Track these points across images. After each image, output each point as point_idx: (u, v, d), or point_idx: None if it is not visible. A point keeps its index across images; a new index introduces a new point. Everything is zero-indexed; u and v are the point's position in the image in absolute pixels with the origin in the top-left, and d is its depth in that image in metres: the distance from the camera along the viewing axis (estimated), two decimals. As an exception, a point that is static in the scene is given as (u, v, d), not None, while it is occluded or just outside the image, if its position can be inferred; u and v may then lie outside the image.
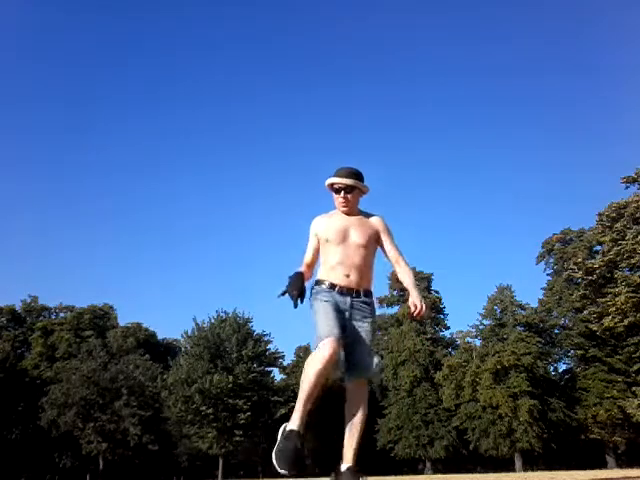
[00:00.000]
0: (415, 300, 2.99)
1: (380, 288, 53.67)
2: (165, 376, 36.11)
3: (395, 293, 48.62)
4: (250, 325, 34.22)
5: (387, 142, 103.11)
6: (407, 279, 3.14)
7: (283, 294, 2.98)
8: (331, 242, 3.08)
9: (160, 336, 53.78)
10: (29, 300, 52.37)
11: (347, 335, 2.90)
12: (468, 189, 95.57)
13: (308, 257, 3.21)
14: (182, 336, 35.84)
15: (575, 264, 36.91)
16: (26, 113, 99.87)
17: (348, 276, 3.03)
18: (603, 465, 34.93)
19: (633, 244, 31.88)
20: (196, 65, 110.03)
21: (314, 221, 3.23)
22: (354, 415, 2.91)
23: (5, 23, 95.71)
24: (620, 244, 32.57)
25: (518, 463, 36.68)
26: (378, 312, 49.21)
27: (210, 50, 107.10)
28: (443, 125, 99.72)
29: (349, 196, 3.11)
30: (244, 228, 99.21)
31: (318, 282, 3.10)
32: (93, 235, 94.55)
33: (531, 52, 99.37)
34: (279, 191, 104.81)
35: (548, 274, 46.48)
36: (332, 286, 3.01)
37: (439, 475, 27.27)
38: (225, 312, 34.67)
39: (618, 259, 32.83)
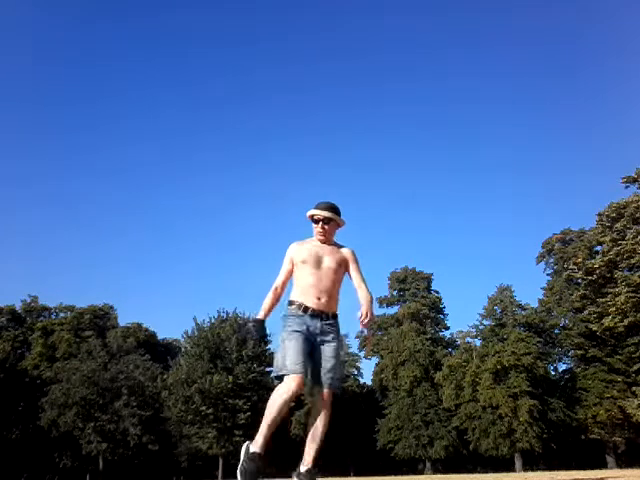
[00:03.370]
0: (364, 309, 3.27)
1: (380, 288, 53.72)
2: (165, 376, 36.05)
3: (395, 293, 48.63)
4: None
5: (387, 142, 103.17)
6: (363, 296, 3.40)
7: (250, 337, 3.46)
8: (306, 264, 3.40)
9: (160, 336, 53.83)
10: (29, 300, 52.34)
11: (316, 354, 3.25)
12: (468, 189, 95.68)
13: (280, 279, 3.52)
14: (182, 336, 35.81)
15: (575, 264, 36.90)
16: (26, 113, 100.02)
17: (319, 299, 3.33)
18: (603, 465, 34.91)
19: (633, 244, 31.86)
20: (195, 65, 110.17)
21: (290, 246, 3.56)
22: (317, 424, 3.22)
23: (6, 23, 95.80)
24: (620, 244, 32.56)
25: (518, 463, 36.66)
26: (378, 312, 49.31)
27: (209, 50, 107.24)
28: (443, 125, 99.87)
29: (327, 227, 3.48)
30: (244, 228, 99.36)
31: (291, 302, 3.40)
32: (93, 235, 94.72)
33: (531, 52, 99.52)
34: (279, 191, 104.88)
35: (548, 274, 46.48)
36: (305, 309, 3.32)
37: (439, 475, 27.26)
38: (226, 312, 34.64)
39: (618, 259, 32.82)
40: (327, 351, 3.26)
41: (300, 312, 3.31)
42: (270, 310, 3.48)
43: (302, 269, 3.42)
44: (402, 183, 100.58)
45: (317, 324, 3.29)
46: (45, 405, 37.07)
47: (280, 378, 3.16)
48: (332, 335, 3.32)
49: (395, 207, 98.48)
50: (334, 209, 3.51)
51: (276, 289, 3.50)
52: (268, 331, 3.42)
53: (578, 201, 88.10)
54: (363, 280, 3.50)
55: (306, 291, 3.37)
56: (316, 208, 3.50)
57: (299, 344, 3.18)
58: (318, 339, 3.28)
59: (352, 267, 3.50)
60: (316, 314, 3.30)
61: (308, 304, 3.32)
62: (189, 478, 45.33)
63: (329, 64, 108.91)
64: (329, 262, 3.41)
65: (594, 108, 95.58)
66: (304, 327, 3.27)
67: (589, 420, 35.88)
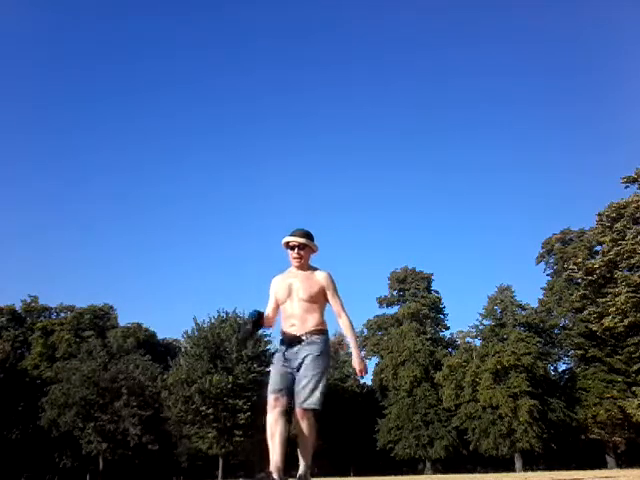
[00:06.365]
0: (357, 362, 3.62)
1: (380, 288, 53.80)
2: (165, 376, 36.02)
3: (395, 293, 48.60)
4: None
5: (387, 143, 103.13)
6: (349, 336, 3.71)
7: (248, 334, 3.76)
8: (281, 301, 3.65)
9: (160, 336, 53.79)
10: (29, 300, 52.26)
11: (295, 374, 3.46)
12: (468, 189, 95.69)
13: (267, 312, 3.77)
14: (182, 336, 35.79)
15: (575, 264, 36.86)
16: (27, 113, 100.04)
17: (293, 325, 3.57)
18: (603, 465, 34.91)
19: (633, 244, 31.85)
20: (194, 65, 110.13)
21: (272, 281, 3.79)
22: (301, 440, 3.42)
23: (5, 23, 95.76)
24: (620, 244, 32.54)
25: (518, 463, 36.64)
26: (378, 312, 49.32)
27: (208, 51, 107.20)
28: (443, 126, 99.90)
29: (302, 252, 3.64)
30: (244, 228, 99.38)
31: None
32: (93, 235, 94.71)
33: (531, 52, 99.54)
34: (280, 191, 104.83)
35: (548, 274, 46.46)
36: (283, 339, 3.62)
37: (439, 475, 27.27)
38: (225, 312, 34.60)
39: (618, 259, 32.80)
40: (301, 371, 3.44)
41: (280, 344, 3.64)
42: (266, 319, 3.72)
43: (281, 304, 3.67)
44: (402, 183, 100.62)
45: (292, 349, 3.51)
46: (45, 405, 37.06)
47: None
48: (307, 352, 3.47)
49: (395, 207, 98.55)
50: (308, 235, 3.69)
51: (267, 316, 3.77)
52: (259, 331, 3.70)
53: (578, 201, 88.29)
54: (342, 307, 3.67)
55: (285, 322, 3.63)
56: (291, 235, 3.67)
57: (277, 369, 3.49)
58: (295, 363, 3.48)
59: (329, 294, 3.64)
60: (290, 340, 3.54)
61: (286, 333, 3.60)
62: (189, 478, 45.32)
63: (329, 64, 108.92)
64: (298, 289, 3.58)
65: (594, 108, 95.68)
66: (281, 355, 3.53)
67: (589, 420, 35.86)
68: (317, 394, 3.37)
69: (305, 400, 3.35)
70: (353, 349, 3.71)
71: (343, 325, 3.67)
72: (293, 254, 3.64)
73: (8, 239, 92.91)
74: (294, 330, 3.54)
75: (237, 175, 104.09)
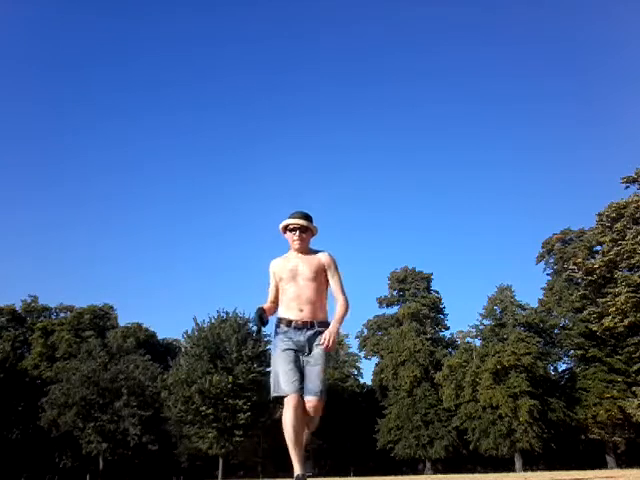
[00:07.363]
0: (327, 333, 3.32)
1: (380, 288, 53.74)
2: (165, 376, 36.03)
3: (395, 293, 48.59)
4: (250, 325, 34.15)
5: (386, 143, 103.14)
6: (337, 311, 3.46)
7: (257, 331, 3.52)
8: (284, 280, 3.49)
9: (160, 336, 53.79)
10: (29, 300, 52.27)
11: (303, 365, 3.32)
12: (468, 189, 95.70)
13: (271, 295, 3.63)
14: (182, 336, 35.80)
15: (575, 264, 36.87)
16: (26, 113, 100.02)
17: (302, 310, 3.41)
18: (603, 465, 34.89)
19: (633, 244, 31.86)
20: (195, 65, 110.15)
21: (271, 264, 3.64)
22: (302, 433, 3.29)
23: (4, 23, 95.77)
24: (620, 244, 32.55)
25: (518, 463, 36.64)
26: (378, 312, 49.31)
27: (209, 50, 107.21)
28: (442, 125, 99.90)
29: (303, 235, 3.52)
30: (244, 228, 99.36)
31: (278, 320, 3.50)
32: (93, 235, 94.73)
33: (531, 51, 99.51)
34: (279, 190, 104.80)
35: (548, 274, 46.50)
36: (289, 323, 3.41)
37: (439, 475, 27.26)
38: (225, 312, 34.61)
39: (618, 259, 32.81)
40: (311, 361, 3.32)
41: (285, 327, 3.41)
42: (270, 308, 3.56)
43: (282, 284, 3.51)
44: (402, 183, 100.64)
45: (301, 336, 3.36)
46: (45, 405, 37.02)
47: (277, 398, 3.27)
48: (317, 343, 3.36)
49: (395, 207, 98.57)
50: (309, 217, 3.59)
51: (271, 302, 3.61)
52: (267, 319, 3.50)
53: (578, 201, 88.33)
54: (341, 288, 3.52)
55: (288, 305, 3.45)
56: (291, 217, 3.56)
57: (288, 362, 3.28)
58: (305, 350, 3.35)
59: (329, 273, 3.52)
60: (300, 326, 3.38)
61: (291, 317, 3.41)
62: (189, 478, 45.33)
63: (330, 64, 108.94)
64: (305, 272, 3.45)
65: (595, 108, 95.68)
66: (290, 342, 3.35)
67: (589, 420, 35.85)
68: (325, 387, 3.33)
69: (321, 392, 3.27)
70: (334, 321, 3.42)
71: (338, 303, 3.48)
72: (294, 237, 3.52)
73: (8, 239, 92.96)
74: (305, 316, 3.40)
75: (237, 175, 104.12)
